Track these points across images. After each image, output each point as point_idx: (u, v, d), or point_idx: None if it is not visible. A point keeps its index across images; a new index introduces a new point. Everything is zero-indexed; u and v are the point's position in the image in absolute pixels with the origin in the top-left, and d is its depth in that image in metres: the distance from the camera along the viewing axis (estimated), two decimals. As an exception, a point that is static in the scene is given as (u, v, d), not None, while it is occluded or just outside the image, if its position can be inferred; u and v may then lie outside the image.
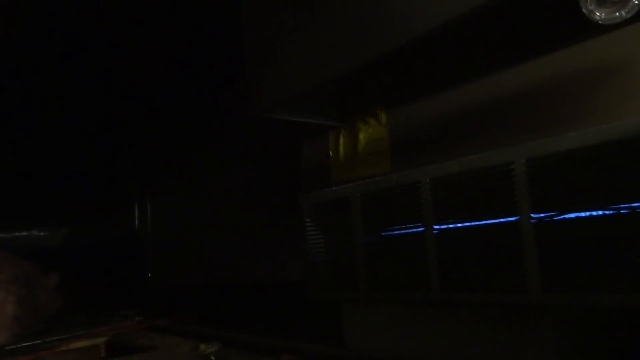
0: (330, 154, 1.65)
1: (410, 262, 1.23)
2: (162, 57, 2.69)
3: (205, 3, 2.18)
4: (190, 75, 2.84)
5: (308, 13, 1.33)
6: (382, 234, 1.31)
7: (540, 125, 1.10)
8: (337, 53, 1.26)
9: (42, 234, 3.83)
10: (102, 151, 3.64)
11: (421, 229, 1.20)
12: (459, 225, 1.13)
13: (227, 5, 2.01)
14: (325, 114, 1.61)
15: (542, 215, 0.99)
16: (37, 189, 3.60)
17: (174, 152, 3.39)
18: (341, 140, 1.62)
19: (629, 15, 0.91)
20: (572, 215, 0.95)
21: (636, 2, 0.89)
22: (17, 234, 3.71)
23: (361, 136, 1.55)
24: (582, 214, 0.94)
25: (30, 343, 2.13)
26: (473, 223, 1.11)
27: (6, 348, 2.08)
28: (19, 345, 2.11)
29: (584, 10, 0.94)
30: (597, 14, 0.93)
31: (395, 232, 1.27)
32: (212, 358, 1.61)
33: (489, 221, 1.08)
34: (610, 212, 0.91)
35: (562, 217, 0.96)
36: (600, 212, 0.92)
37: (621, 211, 0.90)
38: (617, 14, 0.91)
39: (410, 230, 1.23)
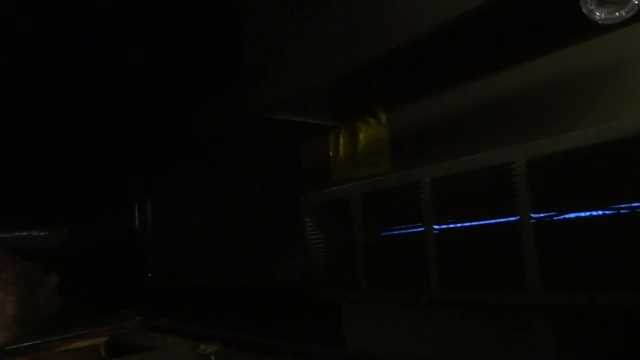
0: (330, 154, 1.65)
1: (410, 262, 1.23)
2: (162, 57, 2.69)
3: (205, 3, 2.18)
4: (190, 75, 2.84)
5: (308, 13, 1.34)
6: (382, 234, 1.31)
7: (540, 125, 1.10)
8: (337, 53, 1.26)
9: (42, 234, 3.83)
10: (102, 151, 3.64)
11: (421, 229, 1.20)
12: (459, 225, 1.13)
13: (227, 5, 2.01)
14: (325, 114, 1.61)
15: (542, 215, 0.99)
16: (37, 189, 3.60)
17: (174, 152, 3.39)
18: (341, 140, 1.62)
19: (629, 15, 0.91)
20: (572, 215, 0.95)
21: (636, 2, 0.89)
22: (17, 234, 3.71)
23: (361, 136, 1.55)
24: (582, 214, 0.94)
25: (30, 343, 2.13)
26: (473, 223, 1.11)
27: (6, 348, 2.08)
28: (19, 345, 2.10)
29: (584, 10, 0.94)
30: (597, 14, 0.93)
31: (395, 232, 1.27)
32: (212, 358, 1.61)
33: (489, 221, 1.07)
34: (610, 212, 0.91)
35: (562, 217, 0.96)
36: (600, 212, 0.92)
37: (621, 211, 0.89)
38: (617, 14, 0.91)
39: (410, 230, 1.23)
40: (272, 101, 1.48)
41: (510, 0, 1.02)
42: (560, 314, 1.03)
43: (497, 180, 1.06)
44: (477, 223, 1.10)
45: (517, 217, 1.02)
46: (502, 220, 1.05)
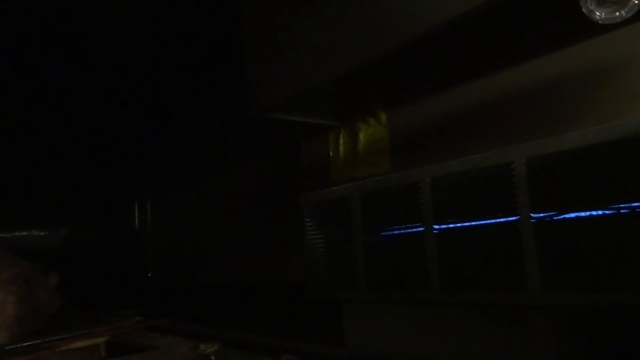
0: (330, 154, 1.65)
1: (410, 262, 1.23)
2: (162, 57, 2.69)
3: (205, 3, 2.18)
4: (190, 75, 2.84)
5: (308, 13, 1.33)
6: (382, 234, 1.31)
7: (540, 125, 1.10)
8: (337, 53, 1.26)
9: (42, 234, 3.83)
10: (102, 151, 3.64)
11: (421, 229, 1.20)
12: (459, 225, 1.13)
13: (227, 5, 2.01)
14: (325, 114, 1.61)
15: (542, 215, 0.99)
16: (37, 189, 3.60)
17: (174, 152, 3.39)
18: (341, 140, 1.62)
19: (629, 15, 0.91)
20: (572, 215, 0.95)
21: (636, 2, 0.89)
22: (17, 234, 3.71)
23: (361, 136, 1.55)
24: (582, 214, 0.94)
25: (30, 343, 2.13)
26: (473, 223, 1.11)
27: (6, 348, 2.08)
28: (19, 345, 2.11)
29: (584, 10, 0.94)
30: (597, 14, 0.93)
31: (395, 232, 1.27)
32: (212, 358, 1.61)
33: (489, 221, 1.08)
34: (610, 212, 0.91)
35: (562, 217, 0.96)
36: (600, 212, 0.92)
37: (621, 211, 0.90)
38: (617, 14, 0.91)
39: (410, 230, 1.23)
40: (272, 101, 1.48)
41: (510, 0, 1.02)
42: (560, 314, 1.03)
43: (497, 180, 1.06)
44: (477, 223, 1.10)
45: (517, 217, 1.02)
46: (502, 220, 1.05)
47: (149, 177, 3.63)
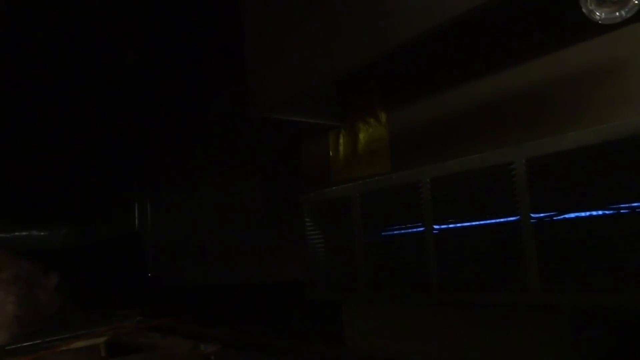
0: (330, 154, 1.65)
1: (410, 262, 1.23)
2: (163, 57, 2.69)
3: (205, 3, 2.18)
4: (190, 76, 2.84)
5: (308, 13, 1.33)
6: (382, 234, 1.31)
7: (540, 125, 1.10)
8: (337, 53, 1.26)
9: (42, 234, 3.83)
10: (102, 151, 3.64)
11: (421, 229, 1.20)
12: (459, 225, 1.13)
13: (227, 6, 2.01)
14: (325, 114, 1.61)
15: (542, 215, 0.99)
16: (37, 189, 3.60)
17: (174, 152, 3.39)
18: (341, 140, 1.62)
19: (629, 15, 0.91)
20: (572, 215, 0.95)
21: (636, 2, 0.89)
22: (17, 234, 3.71)
23: (361, 136, 1.55)
24: (582, 214, 0.94)
25: (30, 343, 2.13)
26: (473, 223, 1.11)
27: (6, 348, 2.08)
28: (19, 345, 2.10)
29: (584, 10, 0.94)
30: (597, 14, 0.93)
31: (395, 232, 1.27)
32: (212, 358, 1.61)
33: (489, 221, 1.08)
34: (610, 212, 0.91)
35: (562, 217, 0.96)
36: (600, 212, 0.92)
37: (621, 211, 0.90)
38: (617, 14, 0.91)
39: (410, 230, 1.23)
40: (272, 101, 1.48)
41: (510, 0, 1.02)
42: (560, 314, 1.03)
43: (497, 180, 1.06)
44: (477, 223, 1.10)
45: (517, 217, 1.02)
46: (502, 220, 1.05)
47: (149, 177, 3.63)
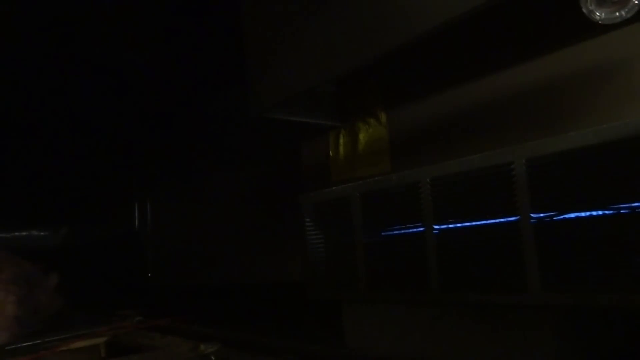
0: (330, 154, 1.65)
1: (410, 262, 1.23)
2: (163, 57, 2.69)
3: (205, 2, 2.18)
4: (190, 75, 2.84)
5: (308, 13, 1.33)
6: (382, 234, 1.31)
7: (540, 125, 1.10)
8: (337, 53, 1.26)
9: (42, 234, 3.83)
10: (102, 151, 3.64)
11: (421, 229, 1.20)
12: (459, 225, 1.13)
13: (227, 5, 2.01)
14: (325, 114, 1.61)
15: (542, 215, 0.99)
16: (37, 189, 3.60)
17: (174, 152, 3.39)
18: (341, 140, 1.62)
19: (629, 15, 0.91)
20: (572, 215, 0.95)
21: (636, 2, 0.89)
22: (17, 234, 3.71)
23: (361, 136, 1.55)
24: (582, 214, 0.94)
25: (30, 343, 2.13)
26: (473, 223, 1.11)
27: (6, 348, 2.08)
28: (19, 345, 2.10)
29: (584, 10, 0.94)
30: (597, 14, 0.93)
31: (395, 232, 1.27)
32: (212, 358, 1.61)
33: (489, 221, 1.08)
34: (610, 212, 0.91)
35: (562, 217, 0.96)
36: (600, 212, 0.92)
37: (621, 211, 0.90)
38: (617, 14, 0.91)
39: (410, 230, 1.23)
40: (272, 101, 1.48)
41: (510, 0, 1.02)
42: (560, 314, 1.03)
43: (497, 180, 1.06)
44: (477, 223, 1.10)
45: (517, 217, 1.02)
46: (502, 220, 1.05)
47: (149, 177, 3.63)
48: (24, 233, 3.75)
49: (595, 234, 0.92)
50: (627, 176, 0.89)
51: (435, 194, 1.18)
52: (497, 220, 1.06)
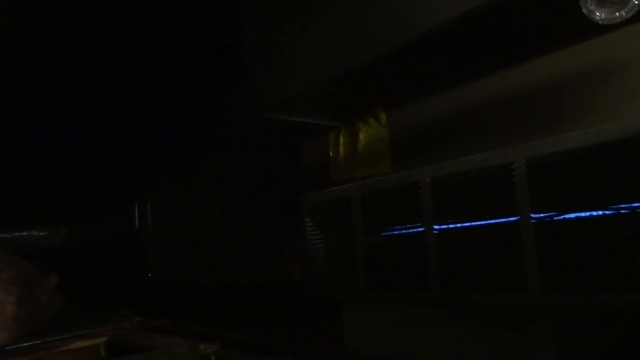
0: (330, 154, 1.65)
1: (410, 262, 1.23)
2: (162, 57, 2.69)
3: (205, 3, 2.18)
4: (190, 75, 2.84)
5: (308, 13, 1.33)
6: (382, 234, 1.31)
7: (540, 125, 1.10)
8: (337, 53, 1.26)
9: (42, 234, 3.83)
10: (102, 151, 3.64)
11: (421, 229, 1.20)
12: (459, 225, 1.13)
13: (227, 5, 2.01)
14: (325, 114, 1.61)
15: (542, 215, 0.99)
16: (37, 189, 3.60)
17: (174, 152, 3.39)
18: (341, 140, 1.62)
19: (629, 15, 0.91)
20: (572, 215, 0.95)
21: (636, 2, 0.89)
22: (17, 234, 3.71)
23: (361, 136, 1.55)
24: (582, 214, 0.94)
25: (30, 343, 2.13)
26: (473, 223, 1.11)
27: (6, 348, 2.08)
28: (19, 345, 2.10)
29: (584, 10, 0.94)
30: (597, 14, 0.93)
31: (395, 232, 1.27)
32: (212, 358, 1.61)
33: (489, 221, 1.07)
34: (610, 212, 0.91)
35: (562, 217, 0.96)
36: (600, 212, 0.92)
37: (621, 211, 0.90)
38: (617, 14, 0.91)
39: (410, 230, 1.23)
40: (272, 101, 1.48)
41: (511, 0, 1.02)
42: (560, 314, 1.03)
43: (497, 180, 1.06)
44: (477, 223, 1.10)
45: (517, 217, 1.02)
46: (502, 220, 1.05)
47: (149, 177, 3.63)
48: (24, 233, 3.75)
49: (595, 234, 0.92)
50: (627, 176, 0.89)
51: (435, 194, 1.18)
52: (497, 221, 1.06)
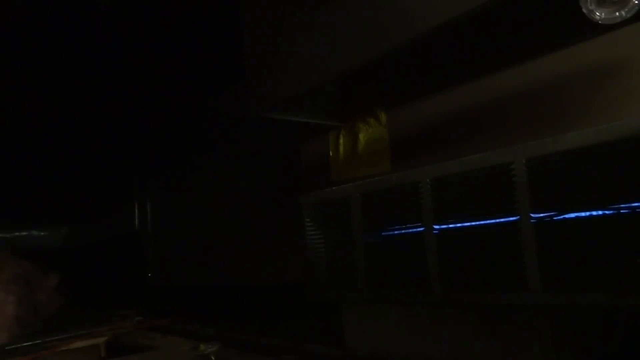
0: (330, 154, 1.65)
1: (410, 262, 1.23)
2: (162, 57, 2.69)
3: (205, 3, 2.18)
4: (190, 75, 2.84)
5: (308, 13, 1.33)
6: (382, 234, 1.31)
7: (540, 125, 1.10)
8: (337, 53, 1.26)
9: (42, 234, 3.83)
10: (102, 151, 3.64)
11: (421, 229, 1.20)
12: (459, 225, 1.13)
13: (227, 6, 2.01)
14: (325, 114, 1.61)
15: (542, 215, 0.99)
16: (37, 188, 3.60)
17: (174, 152, 3.39)
18: (341, 140, 1.62)
19: (629, 15, 0.91)
20: (572, 215, 0.95)
21: (636, 2, 0.89)
22: (17, 234, 3.71)
23: (361, 136, 1.55)
24: (582, 214, 0.94)
25: (30, 343, 2.13)
26: (473, 223, 1.11)
27: (6, 348, 2.08)
28: (19, 345, 2.10)
29: (584, 10, 0.94)
30: (597, 14, 0.93)
31: (395, 232, 1.27)
32: (212, 358, 1.61)
33: (489, 221, 1.07)
34: (610, 212, 0.91)
35: (562, 217, 0.96)
36: (600, 212, 0.92)
37: (621, 211, 0.90)
38: (617, 14, 0.91)
39: (410, 230, 1.23)
40: (272, 101, 1.48)
41: (510, 0, 1.02)
42: (560, 314, 1.03)
43: (497, 180, 1.06)
44: (477, 223, 1.10)
45: (517, 217, 1.02)
46: (502, 220, 1.05)
47: (149, 177, 3.63)
48: (24, 233, 3.75)
49: (595, 234, 0.92)
50: (627, 176, 0.89)
51: (435, 194, 1.18)
52: (497, 220, 1.06)
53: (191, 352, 1.69)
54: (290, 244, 2.15)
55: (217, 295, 2.84)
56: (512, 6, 1.11)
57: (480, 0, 0.95)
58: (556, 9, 1.08)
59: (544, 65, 1.11)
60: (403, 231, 1.25)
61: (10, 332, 2.23)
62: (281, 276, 2.22)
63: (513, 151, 1.03)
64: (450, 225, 1.15)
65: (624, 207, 0.89)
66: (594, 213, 0.93)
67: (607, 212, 0.91)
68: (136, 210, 3.66)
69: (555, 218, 0.97)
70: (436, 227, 1.17)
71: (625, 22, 0.93)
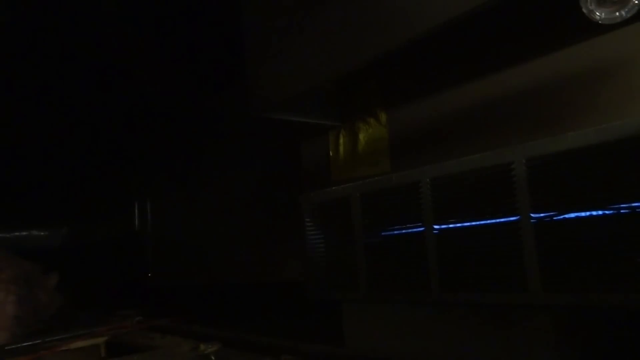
0: (330, 154, 1.65)
1: (410, 262, 1.23)
2: (162, 57, 2.69)
3: (205, 3, 2.18)
4: (190, 75, 2.84)
5: (308, 13, 1.33)
6: (382, 233, 1.31)
7: (540, 125, 1.10)
8: (337, 53, 1.26)
9: (42, 234, 3.83)
10: (102, 151, 3.64)
11: (421, 229, 1.20)
12: (459, 225, 1.13)
13: (227, 5, 2.01)
14: (325, 114, 1.61)
15: (542, 215, 0.99)
16: (37, 189, 3.60)
17: (174, 152, 3.39)
18: (341, 140, 1.62)
19: (629, 15, 0.91)
20: (572, 215, 0.95)
21: (636, 2, 0.89)
22: (17, 234, 3.71)
23: (361, 136, 1.55)
24: (582, 214, 0.94)
25: (30, 343, 2.13)
26: (473, 223, 1.11)
27: (6, 348, 2.08)
28: (19, 345, 2.10)
29: (584, 10, 0.94)
30: (597, 14, 0.93)
31: (395, 232, 1.27)
32: (212, 358, 1.61)
33: (489, 221, 1.07)
34: (610, 212, 0.91)
35: (562, 217, 0.96)
36: (600, 212, 0.92)
37: (621, 211, 0.90)
38: (617, 14, 0.91)
39: (410, 230, 1.23)
40: (272, 101, 1.48)
41: (511, 0, 1.02)
42: (560, 314, 1.03)
43: (497, 180, 1.06)
44: (477, 223, 1.10)
45: (517, 217, 1.02)
46: (502, 220, 1.05)
47: (149, 177, 3.63)
48: (24, 233, 3.75)
49: (595, 234, 0.92)
50: (627, 176, 0.89)
51: (435, 194, 1.18)
52: (497, 220, 1.06)
53: (191, 352, 1.69)
54: (290, 244, 2.15)
55: (217, 295, 2.84)
56: (512, 6, 1.11)
57: (480, 0, 0.95)
58: (556, 9, 1.08)
59: (544, 65, 1.11)
60: (403, 231, 1.26)
61: (10, 332, 2.23)
62: (281, 276, 2.22)
63: (513, 151, 1.03)
64: (450, 225, 1.15)
65: (624, 207, 0.89)
66: (594, 213, 0.93)
67: (607, 212, 0.91)
68: (136, 210, 3.66)
69: (555, 218, 0.97)
70: (436, 227, 1.17)
71: (625, 22, 0.93)
